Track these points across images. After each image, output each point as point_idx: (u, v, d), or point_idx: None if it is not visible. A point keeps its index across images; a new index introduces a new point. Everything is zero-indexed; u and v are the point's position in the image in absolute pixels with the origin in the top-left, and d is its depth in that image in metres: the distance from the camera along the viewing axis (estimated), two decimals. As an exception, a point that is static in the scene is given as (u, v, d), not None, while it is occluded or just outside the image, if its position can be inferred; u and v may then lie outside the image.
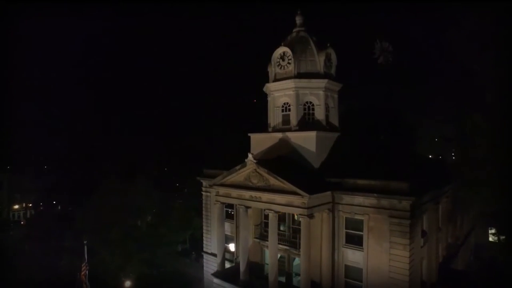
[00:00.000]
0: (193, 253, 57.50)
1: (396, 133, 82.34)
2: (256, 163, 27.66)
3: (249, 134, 33.55)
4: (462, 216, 42.68)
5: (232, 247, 36.06)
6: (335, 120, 32.82)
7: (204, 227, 39.65)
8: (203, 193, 39.05)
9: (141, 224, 47.68)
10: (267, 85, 32.79)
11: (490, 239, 49.47)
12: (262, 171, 27.46)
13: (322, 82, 30.77)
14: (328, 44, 32.49)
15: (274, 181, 26.94)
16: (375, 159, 29.02)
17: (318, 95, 30.96)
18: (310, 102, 31.33)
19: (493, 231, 46.57)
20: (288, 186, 25.90)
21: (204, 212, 39.43)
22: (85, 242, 28.33)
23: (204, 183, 38.47)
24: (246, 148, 33.60)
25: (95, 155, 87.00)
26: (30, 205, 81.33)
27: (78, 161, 79.06)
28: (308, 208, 25.24)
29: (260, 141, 32.63)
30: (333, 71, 33.06)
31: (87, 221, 42.26)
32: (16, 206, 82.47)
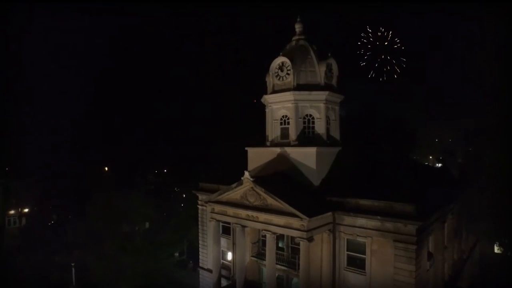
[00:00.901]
0: (191, 262, 56.29)
1: (397, 137, 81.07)
2: (253, 181, 26.23)
3: (246, 148, 32.10)
4: (468, 228, 41.26)
5: (229, 263, 34.70)
6: (336, 133, 31.33)
7: (200, 242, 38.27)
8: (199, 206, 37.66)
9: (137, 236, 46.26)
10: (265, 96, 31.30)
11: (496, 250, 48.14)
12: (259, 190, 26.04)
13: (323, 95, 29.27)
14: (329, 54, 30.99)
15: (271, 200, 25.52)
16: (378, 175, 27.64)
17: (318, 108, 29.47)
18: (310, 115, 29.84)
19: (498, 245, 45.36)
20: (286, 207, 24.48)
21: (200, 227, 38.05)
22: (72, 264, 26.95)
23: (200, 196, 37.06)
24: (245, 155, 32.29)
25: (92, 161, 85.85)
26: (26, 210, 79.98)
27: (74, 168, 77.69)
28: (307, 231, 23.81)
29: (257, 155, 31.16)
30: (334, 82, 31.56)
31: (80, 233, 40.92)
32: (12, 212, 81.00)
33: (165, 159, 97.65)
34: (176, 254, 58.17)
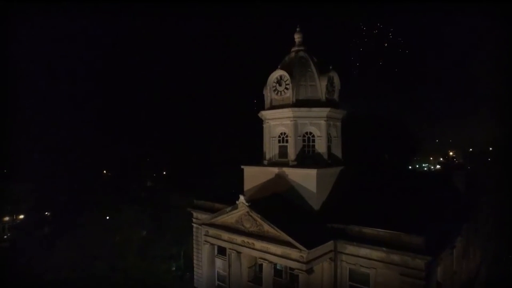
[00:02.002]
0: (188, 274, 54.68)
1: (399, 142, 79.19)
2: (249, 206, 24.43)
3: (242, 167, 30.26)
4: (476, 246, 39.38)
5: (224, 285, 32.91)
6: (338, 151, 29.45)
7: (195, 261, 36.54)
8: (194, 224, 35.87)
9: (129, 251, 44.45)
10: (262, 112, 29.44)
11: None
12: (255, 216, 24.24)
13: (324, 111, 27.38)
14: (331, 67, 29.08)
15: (268, 228, 23.72)
16: (383, 198, 25.81)
17: (319, 125, 27.59)
18: (310, 133, 27.98)
19: None
20: (284, 236, 22.69)
21: (195, 245, 36.30)
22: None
23: (195, 214, 35.29)
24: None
25: (88, 167, 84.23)
26: (21, 216, 78.47)
27: (70, 175, 75.95)
28: (307, 262, 22.02)
29: (254, 174, 29.33)
30: (336, 96, 29.66)
31: (71, 251, 39.17)
32: (7, 218, 79.56)
33: (163, 164, 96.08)
34: (173, 268, 56.63)
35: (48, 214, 67.69)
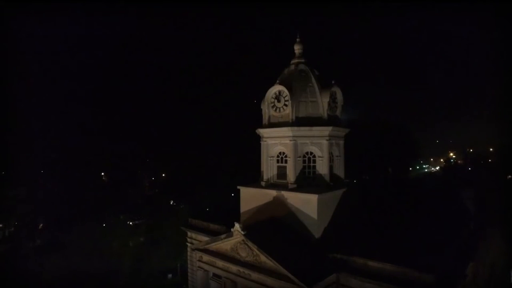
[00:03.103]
0: (184, 286, 53.16)
1: (402, 147, 77.42)
2: (245, 234, 22.66)
3: (239, 187, 28.46)
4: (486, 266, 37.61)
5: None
6: (340, 171, 27.60)
7: (190, 283, 34.79)
8: (188, 244, 34.13)
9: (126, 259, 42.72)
10: (260, 130, 27.56)
11: None
12: (252, 245, 22.47)
13: (326, 130, 25.52)
14: (333, 82, 27.16)
15: (265, 259, 21.95)
16: (388, 223, 24.12)
17: (320, 145, 25.74)
18: (311, 153, 26.14)
19: None
20: (282, 270, 20.93)
21: (189, 266, 34.55)
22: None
23: (189, 233, 33.55)
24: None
25: (84, 175, 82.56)
26: (12, 229, 76.34)
27: (65, 186, 74.00)
28: (307, 300, 20.24)
29: (251, 196, 27.52)
30: (338, 112, 27.77)
31: (59, 270, 37.44)
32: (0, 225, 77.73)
33: (162, 168, 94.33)
34: (169, 275, 55.23)
35: (41, 225, 65.76)
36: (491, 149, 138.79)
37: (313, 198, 23.71)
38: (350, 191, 26.82)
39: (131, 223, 66.80)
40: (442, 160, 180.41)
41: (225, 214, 31.25)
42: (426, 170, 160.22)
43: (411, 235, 23.05)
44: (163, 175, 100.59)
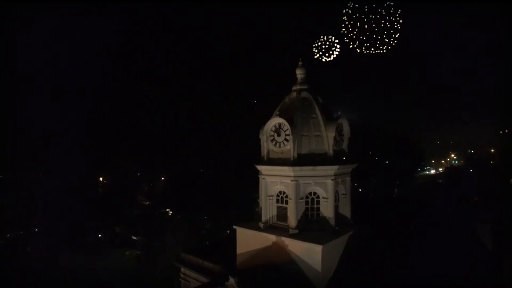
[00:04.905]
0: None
1: (404, 154, 74.99)
2: (240, 291, 20.25)
3: (234, 227, 26.01)
4: None
5: None
6: (346, 210, 25.09)
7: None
8: (181, 280, 31.71)
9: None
10: (258, 167, 25.01)
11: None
12: (248, 304, 20.09)
13: (331, 170, 22.98)
14: (339, 112, 24.63)
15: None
16: (400, 263, 21.80)
17: (325, 185, 23.22)
18: (315, 193, 23.62)
19: None
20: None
21: (182, 302, 32.18)
22: None
23: (182, 269, 31.11)
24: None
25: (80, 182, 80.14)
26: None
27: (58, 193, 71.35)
28: None
29: (249, 238, 25.04)
30: (345, 146, 25.20)
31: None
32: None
33: (160, 175, 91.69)
34: None
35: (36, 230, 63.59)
36: (492, 150, 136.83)
37: (317, 248, 21.23)
38: (357, 233, 24.36)
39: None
40: (443, 161, 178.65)
41: (221, 250, 29.06)
42: (427, 172, 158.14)
43: (424, 275, 20.59)
44: (162, 178, 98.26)
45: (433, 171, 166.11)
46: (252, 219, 27.06)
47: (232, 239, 27.98)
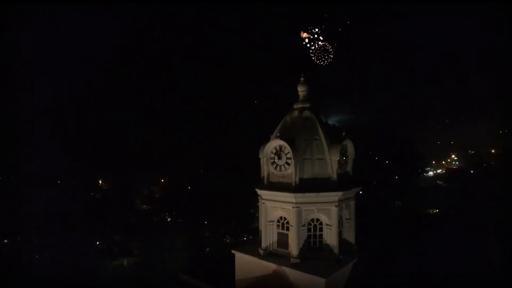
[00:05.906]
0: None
1: (406, 160, 73.76)
2: (239, 328, 19.15)
3: (233, 251, 24.88)
4: None
5: None
6: (351, 235, 23.96)
7: None
8: (178, 301, 30.66)
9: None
10: (258, 191, 23.86)
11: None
12: None
13: (335, 196, 21.80)
14: (344, 133, 23.38)
15: None
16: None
17: (329, 211, 22.06)
18: (317, 220, 22.46)
19: None
20: None
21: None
22: None
23: (179, 292, 30.05)
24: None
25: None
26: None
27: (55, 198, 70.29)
28: None
29: (248, 264, 23.91)
30: (349, 168, 24.00)
31: None
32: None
33: (158, 181, 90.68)
34: None
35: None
36: (492, 151, 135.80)
37: (319, 281, 20.07)
38: (361, 261, 23.24)
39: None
40: (444, 162, 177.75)
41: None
42: (429, 174, 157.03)
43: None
44: (162, 180, 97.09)
45: (433, 172, 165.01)
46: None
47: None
